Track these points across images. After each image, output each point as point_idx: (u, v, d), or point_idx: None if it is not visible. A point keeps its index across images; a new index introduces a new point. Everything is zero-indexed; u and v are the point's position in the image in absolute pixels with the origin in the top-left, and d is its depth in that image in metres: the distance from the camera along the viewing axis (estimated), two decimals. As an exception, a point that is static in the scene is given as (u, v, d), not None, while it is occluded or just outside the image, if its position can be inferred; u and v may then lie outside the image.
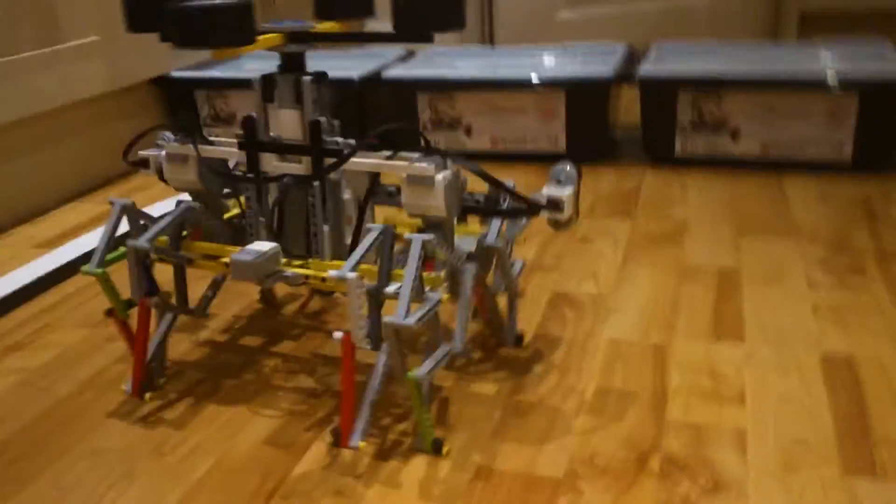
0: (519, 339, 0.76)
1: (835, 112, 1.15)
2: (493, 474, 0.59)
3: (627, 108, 1.41)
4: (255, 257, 0.61)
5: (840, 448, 0.60)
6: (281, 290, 0.88)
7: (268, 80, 0.67)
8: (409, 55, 1.48)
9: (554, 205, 0.65)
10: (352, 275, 0.57)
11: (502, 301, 0.75)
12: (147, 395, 0.70)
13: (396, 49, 1.51)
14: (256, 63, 1.53)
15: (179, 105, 1.41)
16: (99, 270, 0.67)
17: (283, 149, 0.67)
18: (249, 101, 1.37)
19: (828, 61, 1.24)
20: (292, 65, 0.66)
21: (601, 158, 1.28)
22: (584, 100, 1.23)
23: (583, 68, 1.29)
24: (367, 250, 0.60)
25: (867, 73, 1.12)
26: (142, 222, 0.71)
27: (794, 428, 0.63)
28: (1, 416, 0.70)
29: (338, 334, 0.59)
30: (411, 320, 0.57)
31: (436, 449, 0.62)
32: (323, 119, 0.66)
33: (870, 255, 0.91)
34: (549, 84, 1.23)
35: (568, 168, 0.66)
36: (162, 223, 0.68)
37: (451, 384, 0.70)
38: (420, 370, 0.59)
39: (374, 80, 1.32)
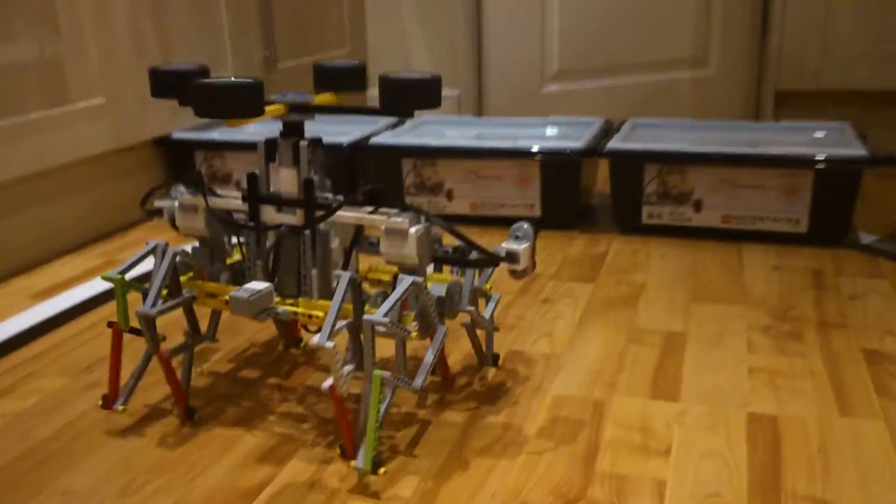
0: (495, 359, 0.89)
1: (791, 188, 1.22)
2: (429, 515, 0.65)
3: (607, 178, 1.48)
4: (250, 295, 0.69)
5: (750, 501, 0.65)
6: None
7: (270, 144, 0.77)
8: (400, 122, 1.56)
9: (511, 257, 0.75)
10: (329, 344, 0.66)
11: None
12: (121, 408, 0.81)
13: (389, 118, 1.59)
14: (252, 127, 1.62)
15: (180, 164, 1.50)
16: (119, 277, 0.77)
17: (281, 202, 0.76)
18: (245, 161, 1.45)
19: (789, 141, 1.32)
20: (292, 131, 0.76)
21: (574, 225, 1.35)
22: (557, 170, 1.30)
23: (557, 141, 1.37)
24: (339, 307, 0.68)
25: (822, 153, 1.19)
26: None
27: (712, 481, 0.68)
28: (-15, 452, 0.75)
29: (325, 385, 0.67)
30: (384, 318, 0.67)
31: (374, 467, 0.69)
32: (316, 178, 0.75)
33: (811, 323, 0.97)
34: (526, 155, 1.31)
35: (525, 226, 0.76)
36: (157, 282, 0.77)
37: (407, 419, 0.76)
38: (385, 373, 0.68)
39: (362, 146, 1.40)
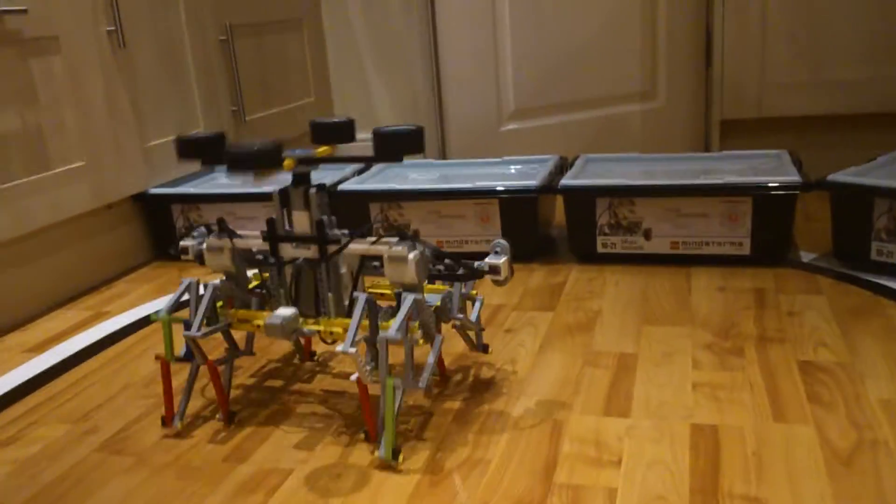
0: (485, 348, 1.05)
1: (733, 214, 1.31)
2: (405, 531, 0.72)
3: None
4: (282, 321, 0.84)
5: (691, 502, 0.73)
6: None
7: (283, 192, 0.91)
8: (365, 168, 1.65)
9: (493, 270, 0.90)
10: (352, 350, 0.80)
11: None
12: (179, 424, 0.93)
13: (356, 164, 1.68)
14: (225, 178, 1.70)
15: (158, 217, 1.57)
16: (165, 316, 0.91)
17: (298, 240, 0.90)
18: (219, 211, 1.53)
19: (731, 170, 1.42)
20: (301, 180, 0.90)
21: (534, 257, 1.44)
22: (516, 207, 1.39)
23: (513, 181, 1.46)
24: (359, 321, 0.82)
25: (758, 181, 1.29)
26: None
27: (657, 486, 0.76)
28: (-7, 499, 0.82)
29: (353, 377, 0.82)
30: (397, 335, 0.80)
31: (395, 456, 0.82)
32: (325, 217, 0.90)
33: (751, 339, 1.06)
34: (486, 194, 1.39)
35: (502, 242, 0.92)
36: (202, 309, 0.90)
37: (413, 410, 0.83)
38: (396, 380, 0.82)
39: (332, 192, 1.48)
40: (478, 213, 1.41)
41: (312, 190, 0.89)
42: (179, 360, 0.92)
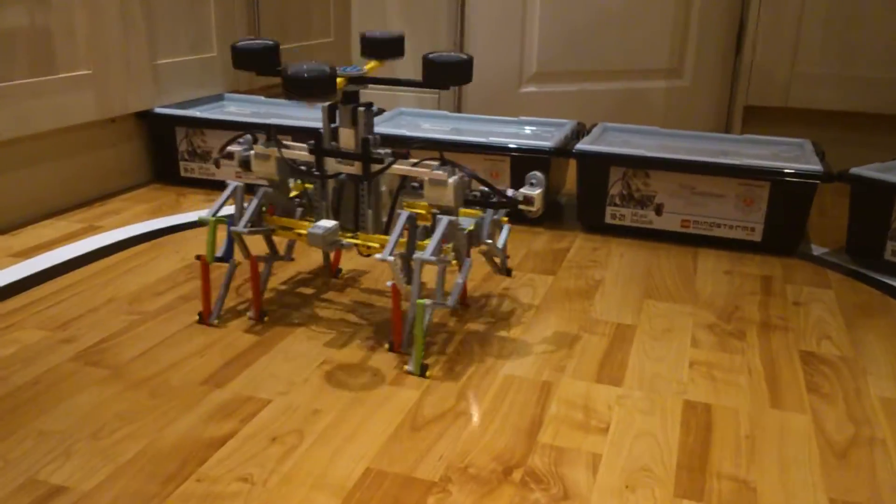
0: (509, 271, 1.06)
1: (749, 198, 1.28)
2: (379, 475, 0.69)
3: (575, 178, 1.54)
4: (324, 231, 0.86)
5: (677, 477, 0.71)
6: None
7: (332, 108, 0.92)
8: (378, 112, 1.60)
9: (528, 200, 0.91)
10: (391, 258, 0.82)
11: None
12: (216, 321, 0.97)
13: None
14: (234, 106, 1.66)
15: (161, 138, 1.53)
16: (212, 218, 0.92)
17: (344, 155, 0.92)
18: (224, 138, 1.49)
19: (751, 154, 1.38)
20: (350, 98, 0.91)
21: (541, 221, 1.41)
22: (526, 167, 1.35)
23: (527, 140, 1.42)
24: (399, 235, 0.84)
25: (779, 166, 1.25)
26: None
27: (644, 457, 0.73)
28: (-40, 395, 0.79)
29: (389, 283, 0.87)
30: (432, 257, 0.83)
31: (422, 371, 0.85)
32: (370, 136, 0.91)
33: (754, 324, 1.03)
34: (497, 150, 1.36)
35: (538, 174, 0.93)
36: (251, 209, 0.93)
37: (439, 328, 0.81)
38: (427, 301, 0.84)
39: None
40: (488, 169, 1.38)
41: (361, 108, 0.91)
42: (218, 259, 0.94)
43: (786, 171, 1.25)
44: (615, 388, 0.85)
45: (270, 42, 0.94)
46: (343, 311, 1.01)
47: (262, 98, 1.71)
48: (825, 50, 1.84)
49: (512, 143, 1.35)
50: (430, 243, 0.84)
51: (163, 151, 1.54)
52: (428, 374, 0.86)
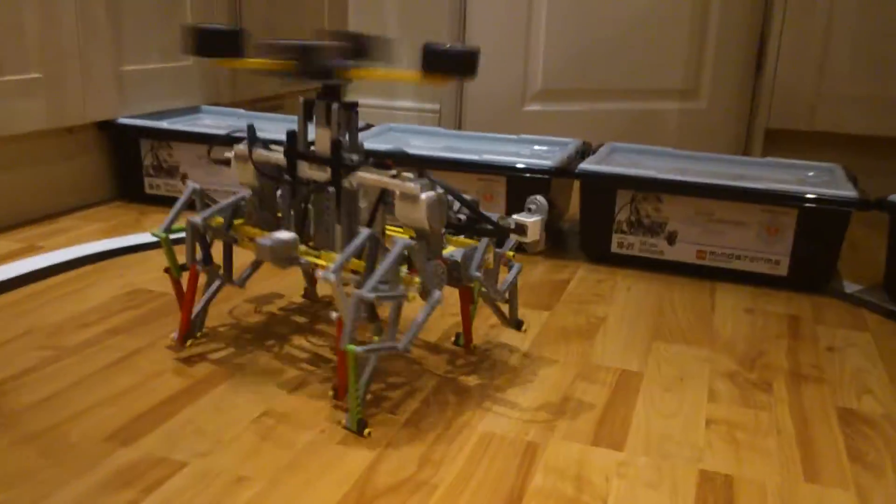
0: (519, 324, 0.88)
1: (774, 226, 1.12)
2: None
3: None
4: (273, 243, 0.73)
5: (691, 576, 0.55)
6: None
7: (308, 104, 0.79)
8: (366, 127, 1.47)
9: (520, 229, 0.77)
10: (332, 276, 0.68)
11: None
12: (188, 343, 0.86)
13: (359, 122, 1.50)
14: (211, 119, 1.52)
15: (125, 152, 1.39)
16: (163, 234, 0.81)
17: (311, 158, 0.79)
18: (193, 153, 1.35)
19: (775, 178, 1.23)
20: (329, 93, 0.78)
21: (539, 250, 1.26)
22: (523, 188, 1.21)
23: (528, 159, 1.27)
24: (351, 253, 0.71)
25: (808, 192, 1.10)
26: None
27: (648, 548, 0.57)
28: None
29: (333, 315, 0.70)
30: (370, 295, 0.68)
31: (360, 428, 0.70)
32: (345, 138, 0.78)
33: (781, 373, 0.87)
34: (491, 170, 1.21)
35: (540, 199, 0.78)
36: (219, 206, 0.81)
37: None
38: (359, 347, 0.68)
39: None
40: (481, 189, 1.23)
41: (336, 105, 0.78)
42: (184, 268, 0.83)
43: (816, 196, 1.10)
44: (615, 452, 0.69)
45: (232, 28, 0.81)
46: (306, 347, 0.86)
47: (243, 111, 1.57)
48: (855, 68, 1.69)
49: (508, 163, 1.21)
50: (373, 276, 0.69)
51: (126, 166, 1.40)
52: (367, 431, 0.70)
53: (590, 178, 1.18)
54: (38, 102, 1.23)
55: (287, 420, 0.72)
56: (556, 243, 1.31)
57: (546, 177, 1.19)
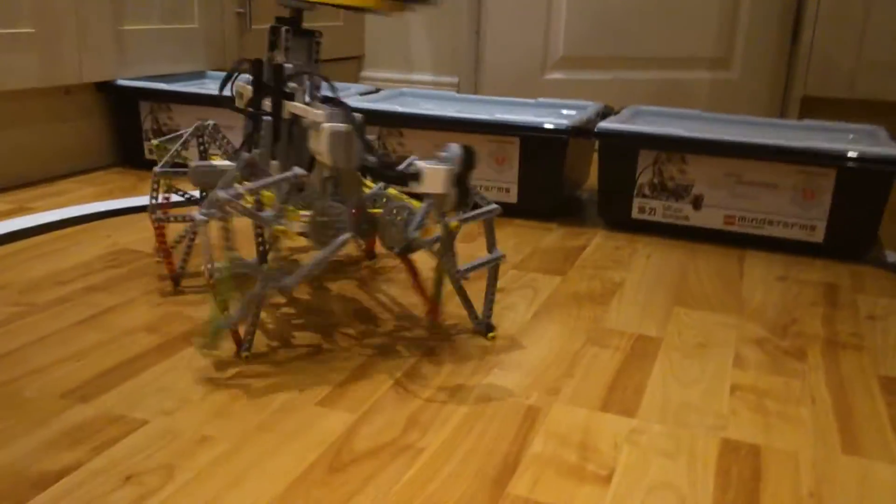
0: (489, 328, 0.75)
1: (809, 189, 1.04)
2: (265, 534, 0.47)
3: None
4: (196, 165, 0.74)
5: (709, 554, 0.48)
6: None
7: (273, 31, 0.74)
8: (376, 91, 1.40)
9: (414, 176, 0.66)
10: (198, 216, 0.62)
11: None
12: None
13: (368, 86, 1.43)
14: (213, 83, 1.46)
15: (124, 114, 1.34)
16: (156, 142, 0.81)
17: (262, 89, 0.74)
18: (193, 115, 1.30)
19: (811, 137, 1.14)
20: (285, 21, 0.73)
21: (554, 216, 1.18)
22: (538, 150, 1.13)
23: (542, 118, 1.19)
24: (254, 188, 0.64)
25: (849, 150, 1.01)
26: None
27: (660, 522, 0.50)
28: None
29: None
30: (203, 215, 0.62)
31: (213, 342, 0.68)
32: (290, 65, 0.72)
33: (817, 342, 0.79)
34: (504, 130, 1.14)
35: (455, 147, 0.66)
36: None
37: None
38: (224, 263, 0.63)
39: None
40: (493, 152, 1.16)
41: (284, 29, 0.72)
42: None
43: (857, 155, 1.01)
44: (626, 419, 0.62)
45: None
46: (305, 302, 0.79)
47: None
48: (898, 32, 1.59)
49: (522, 122, 1.13)
50: (214, 191, 0.62)
51: (125, 129, 1.35)
52: (245, 355, 0.68)
53: (610, 138, 1.10)
54: (30, 58, 1.17)
55: (263, 379, 0.65)
56: (573, 211, 1.23)
57: (563, 136, 1.11)
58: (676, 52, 1.78)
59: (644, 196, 1.11)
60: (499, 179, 1.16)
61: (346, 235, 0.65)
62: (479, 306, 0.81)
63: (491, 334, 0.75)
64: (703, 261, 1.02)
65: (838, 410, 0.65)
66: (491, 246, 0.75)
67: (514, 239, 1.07)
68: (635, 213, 1.12)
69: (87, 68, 1.27)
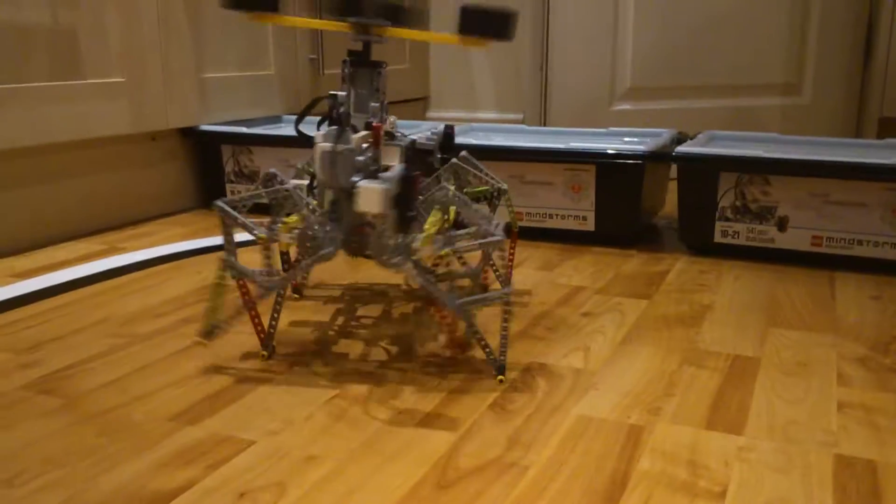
0: (500, 368, 0.70)
1: (898, 207, 1.01)
2: (381, 548, 0.47)
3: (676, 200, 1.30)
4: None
5: (837, 568, 0.46)
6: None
7: (343, 64, 0.76)
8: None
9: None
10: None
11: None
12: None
13: (436, 123, 1.45)
14: (289, 126, 1.50)
15: (207, 158, 1.38)
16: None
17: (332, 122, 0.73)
18: (273, 157, 1.33)
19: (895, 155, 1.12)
20: (357, 55, 0.75)
21: (632, 243, 1.18)
22: (615, 176, 1.13)
23: (617, 145, 1.19)
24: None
25: (936, 164, 0.99)
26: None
27: (781, 537, 0.49)
28: None
29: None
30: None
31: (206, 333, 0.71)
32: (341, 94, 0.72)
33: (922, 358, 0.76)
34: (580, 157, 1.14)
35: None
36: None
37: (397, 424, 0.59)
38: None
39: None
40: (568, 180, 1.16)
41: (348, 60, 0.74)
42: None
43: (949, 170, 0.98)
44: (734, 436, 0.61)
45: None
46: (375, 329, 0.80)
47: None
48: (978, 49, 1.55)
49: (597, 149, 1.13)
50: None
51: (208, 172, 1.39)
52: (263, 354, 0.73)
53: (689, 162, 1.09)
54: (120, 106, 1.22)
55: (361, 402, 0.66)
56: (651, 239, 1.22)
57: (639, 162, 1.11)
58: (746, 80, 1.77)
59: (727, 219, 1.09)
60: (575, 208, 1.16)
61: (329, 249, 0.68)
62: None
63: (500, 377, 0.70)
64: (792, 283, 1.00)
65: (955, 426, 0.63)
66: (501, 279, 0.75)
67: (594, 267, 1.07)
68: (718, 238, 1.10)
69: (172, 115, 1.31)
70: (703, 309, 0.90)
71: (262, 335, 0.74)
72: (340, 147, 0.65)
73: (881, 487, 0.54)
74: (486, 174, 0.86)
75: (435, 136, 0.83)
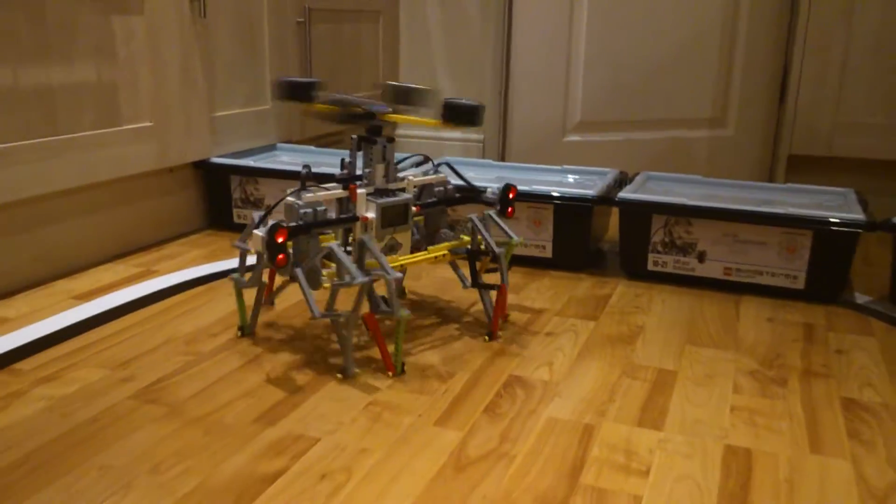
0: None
1: (791, 246, 1.29)
2: (424, 510, 0.71)
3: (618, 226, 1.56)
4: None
5: (718, 519, 0.72)
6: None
7: (360, 139, 1.04)
8: (424, 162, 1.65)
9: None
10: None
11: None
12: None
13: (418, 156, 1.68)
14: (287, 156, 1.72)
15: (216, 187, 1.59)
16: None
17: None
18: (276, 187, 1.55)
19: (794, 203, 1.39)
20: (373, 131, 1.04)
21: (583, 267, 1.43)
22: (568, 215, 1.38)
23: (570, 188, 1.44)
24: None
25: (824, 215, 1.26)
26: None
27: (684, 499, 0.74)
28: (27, 433, 0.83)
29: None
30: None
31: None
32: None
33: (796, 372, 1.03)
34: (540, 199, 1.39)
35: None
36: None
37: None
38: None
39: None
40: (531, 216, 1.41)
41: (355, 136, 1.04)
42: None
43: (829, 219, 1.26)
44: (656, 432, 0.86)
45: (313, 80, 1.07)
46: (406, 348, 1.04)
47: (313, 147, 1.77)
48: (869, 98, 1.85)
49: (555, 192, 1.38)
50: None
51: (217, 199, 1.60)
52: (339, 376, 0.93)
53: (628, 206, 1.35)
54: (148, 147, 1.43)
55: (390, 407, 0.90)
56: (597, 262, 1.47)
57: (588, 205, 1.37)
58: (679, 114, 2.04)
59: (657, 252, 1.36)
60: (536, 239, 1.41)
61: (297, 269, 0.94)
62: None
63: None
64: (707, 305, 1.27)
65: (809, 423, 0.90)
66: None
67: (552, 290, 1.32)
68: (650, 266, 1.36)
69: (188, 150, 1.52)
70: (637, 329, 1.16)
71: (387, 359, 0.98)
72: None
73: (753, 466, 0.80)
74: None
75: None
